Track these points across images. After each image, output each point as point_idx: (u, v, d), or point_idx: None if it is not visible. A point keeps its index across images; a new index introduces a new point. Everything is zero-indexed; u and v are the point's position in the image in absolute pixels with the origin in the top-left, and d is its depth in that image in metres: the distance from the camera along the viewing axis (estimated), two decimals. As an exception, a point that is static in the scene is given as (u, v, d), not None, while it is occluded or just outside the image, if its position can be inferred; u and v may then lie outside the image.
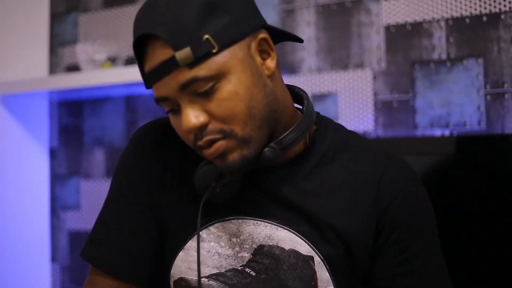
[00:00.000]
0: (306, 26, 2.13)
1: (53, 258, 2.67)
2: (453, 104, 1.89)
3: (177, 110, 1.12)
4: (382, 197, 1.18)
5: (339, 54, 2.07)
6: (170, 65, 1.06)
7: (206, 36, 1.06)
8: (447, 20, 1.90)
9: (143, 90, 2.33)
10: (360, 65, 2.03)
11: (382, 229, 1.18)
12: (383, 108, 2.00)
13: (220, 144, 1.09)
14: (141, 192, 1.24)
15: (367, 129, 2.02)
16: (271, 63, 1.13)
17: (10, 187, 2.44)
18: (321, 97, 2.11)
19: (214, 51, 1.06)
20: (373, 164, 1.21)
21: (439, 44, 1.91)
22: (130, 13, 2.48)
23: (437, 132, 1.90)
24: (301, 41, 1.23)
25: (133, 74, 2.07)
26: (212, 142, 1.10)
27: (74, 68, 2.38)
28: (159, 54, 1.07)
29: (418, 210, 1.20)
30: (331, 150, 1.21)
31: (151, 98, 2.39)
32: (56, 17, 2.65)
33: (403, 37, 1.97)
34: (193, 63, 1.06)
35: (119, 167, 1.28)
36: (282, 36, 1.21)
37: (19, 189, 2.48)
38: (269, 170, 1.17)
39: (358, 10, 2.04)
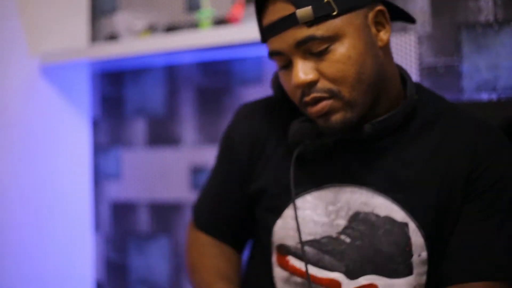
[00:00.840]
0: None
1: (97, 228, 2.68)
2: (500, 67, 1.83)
3: (288, 66, 1.18)
4: (478, 163, 1.18)
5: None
6: (290, 21, 1.12)
7: None
8: (494, -20, 1.84)
9: (183, 59, 2.31)
10: (403, 29, 1.98)
11: (475, 194, 1.18)
12: (428, 72, 1.95)
13: (326, 104, 1.15)
14: (236, 166, 1.37)
15: (411, 95, 1.97)
16: (384, 35, 1.19)
17: (53, 158, 2.45)
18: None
19: (333, 13, 1.11)
20: (469, 132, 1.22)
21: (486, 6, 1.85)
22: (169, -19, 2.45)
23: (484, 96, 1.85)
24: (413, 21, 1.29)
25: (172, 42, 2.05)
26: (319, 100, 1.15)
27: (114, 37, 2.37)
28: (280, 10, 1.13)
29: (509, 175, 1.20)
30: (430, 120, 1.23)
31: (191, 67, 2.37)
32: (95, -13, 2.65)
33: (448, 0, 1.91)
34: (312, 22, 1.11)
35: (220, 144, 1.43)
36: (396, 15, 1.27)
37: (62, 160, 2.49)
38: (367, 139, 1.22)
39: (401, -28, 1.98)
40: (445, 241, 1.19)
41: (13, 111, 2.30)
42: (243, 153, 1.36)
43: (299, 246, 1.23)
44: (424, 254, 1.19)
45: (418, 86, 1.29)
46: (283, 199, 1.28)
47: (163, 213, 2.50)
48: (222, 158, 1.43)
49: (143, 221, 2.56)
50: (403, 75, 1.28)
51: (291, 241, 1.26)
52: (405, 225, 1.18)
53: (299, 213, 1.24)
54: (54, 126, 2.46)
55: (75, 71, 2.53)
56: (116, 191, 2.64)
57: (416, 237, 1.18)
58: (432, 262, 1.19)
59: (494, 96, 1.83)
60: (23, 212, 2.31)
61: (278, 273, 1.29)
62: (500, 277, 1.15)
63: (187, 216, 2.42)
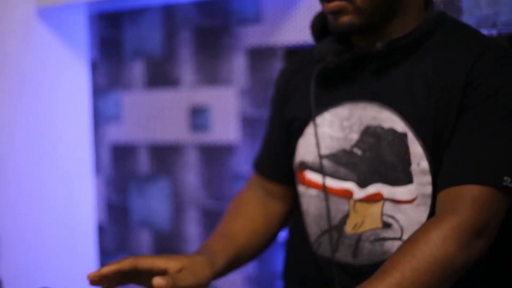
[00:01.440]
0: None
1: (97, 171, 2.69)
2: (501, 3, 1.81)
3: None
4: (475, 76, 1.23)
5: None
6: None
7: None
8: None
9: (181, -1, 2.29)
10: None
11: (471, 104, 1.22)
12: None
13: (338, 4, 1.26)
14: (278, 109, 1.52)
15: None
16: None
17: (52, 101, 2.44)
18: None
19: None
20: (472, 47, 1.27)
21: None
22: None
23: (484, 32, 1.83)
24: None
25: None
26: None
27: (110, -23, 2.34)
28: None
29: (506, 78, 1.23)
30: (441, 38, 1.30)
31: (188, 7, 2.34)
32: None
33: None
34: None
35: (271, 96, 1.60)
36: None
37: (61, 103, 2.48)
38: (381, 57, 1.32)
39: None
40: (444, 149, 1.23)
41: (10, 55, 2.28)
42: (281, 92, 1.52)
43: (316, 160, 1.36)
44: (423, 164, 1.24)
45: (442, 13, 1.36)
46: (305, 119, 1.41)
47: (163, 154, 2.50)
48: (271, 103, 1.59)
49: (143, 162, 2.57)
50: (428, 1, 1.35)
51: (310, 156, 1.38)
52: (404, 135, 1.25)
53: (318, 130, 1.37)
54: (52, 69, 2.44)
55: (72, 12, 2.50)
56: (116, 133, 2.64)
57: (414, 146, 1.24)
58: (435, 173, 1.23)
59: (494, 32, 1.81)
60: (23, 157, 2.31)
61: (300, 191, 1.42)
62: (493, 182, 1.17)
63: (187, 157, 2.43)
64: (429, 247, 1.09)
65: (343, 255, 1.28)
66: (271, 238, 1.52)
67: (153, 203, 2.55)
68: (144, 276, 1.26)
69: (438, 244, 1.09)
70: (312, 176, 1.38)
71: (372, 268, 1.16)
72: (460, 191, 1.17)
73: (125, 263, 1.23)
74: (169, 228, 2.51)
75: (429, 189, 1.23)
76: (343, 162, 1.32)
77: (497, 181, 1.16)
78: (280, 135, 1.52)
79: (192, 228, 2.43)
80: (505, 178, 1.16)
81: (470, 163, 1.19)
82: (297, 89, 1.47)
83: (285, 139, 1.49)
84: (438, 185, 1.23)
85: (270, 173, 1.54)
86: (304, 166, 1.40)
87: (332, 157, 1.35)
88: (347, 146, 1.33)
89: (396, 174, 1.26)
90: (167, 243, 2.52)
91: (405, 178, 1.25)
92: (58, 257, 2.42)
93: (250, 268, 2.27)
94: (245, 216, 1.50)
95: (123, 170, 2.63)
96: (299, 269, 1.42)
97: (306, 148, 1.40)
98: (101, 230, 2.71)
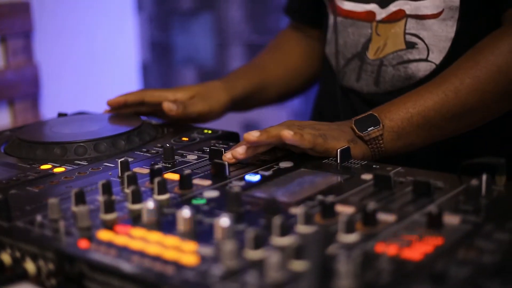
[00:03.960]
0: None
1: (139, 8, 2.64)
2: None
3: None
4: None
5: None
6: None
7: None
8: None
9: None
10: None
11: None
12: None
13: None
14: None
15: None
16: None
17: None
18: None
19: None
20: None
21: None
22: None
23: None
24: None
25: None
26: None
27: None
28: None
29: None
30: None
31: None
32: None
33: None
34: None
35: None
36: None
37: None
38: None
39: None
40: None
41: None
42: None
43: None
44: None
45: None
46: None
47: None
48: None
49: (186, -2, 2.50)
50: None
51: None
52: None
53: None
54: None
55: None
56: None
57: None
58: None
59: None
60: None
61: (331, 20, 1.27)
62: None
63: (230, -10, 2.35)
64: (495, 55, 0.99)
65: (365, 84, 1.19)
66: (312, 77, 1.45)
67: (196, 40, 2.50)
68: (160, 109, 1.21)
69: (506, 53, 1.01)
70: (338, 2, 1.22)
71: (397, 94, 1.09)
72: None
73: (131, 96, 1.19)
74: (213, 64, 2.47)
75: (457, 0, 1.09)
76: None
77: None
78: None
79: (237, 63, 2.38)
80: None
81: None
82: None
83: None
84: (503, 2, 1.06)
85: (302, 17, 1.41)
86: None
87: None
88: None
89: None
90: (211, 80, 2.49)
91: None
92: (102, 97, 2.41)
93: (296, 104, 2.24)
94: (282, 51, 1.40)
95: (166, 6, 2.57)
96: (329, 102, 1.35)
97: None
98: (145, 69, 2.69)
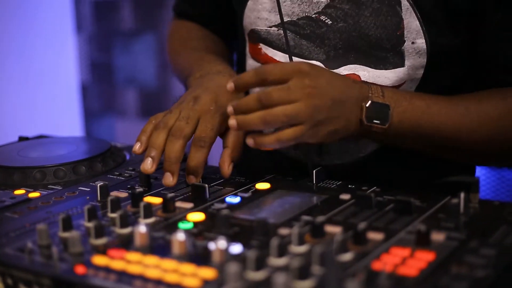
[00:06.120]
0: None
1: (78, 28, 2.62)
2: None
3: None
4: None
5: None
6: None
7: None
8: None
9: None
10: None
11: None
12: None
13: None
14: None
15: None
16: None
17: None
18: None
19: None
20: None
21: None
22: None
23: None
24: None
25: None
26: None
27: None
28: None
29: None
30: None
31: None
32: None
33: None
34: None
35: None
36: None
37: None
38: None
39: None
40: (449, 25, 0.97)
41: None
42: None
43: (270, 30, 1.05)
44: (420, 42, 0.97)
45: None
46: None
47: (147, 9, 2.43)
48: None
49: (127, 18, 2.49)
50: None
51: (262, 24, 1.05)
52: (398, 3, 0.96)
53: None
54: None
55: None
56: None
57: (410, 18, 0.96)
58: (432, 55, 0.98)
59: None
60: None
61: (250, 66, 1.11)
62: None
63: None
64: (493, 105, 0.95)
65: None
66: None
67: (138, 60, 2.50)
68: None
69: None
70: (268, 51, 1.07)
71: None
72: None
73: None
74: (156, 85, 2.47)
75: (419, 74, 0.99)
76: (306, 33, 1.02)
77: None
78: None
79: (180, 84, 2.39)
80: None
81: None
82: None
83: None
84: (488, 76, 0.99)
85: (206, 21, 1.26)
86: (257, 38, 1.07)
87: (292, 25, 1.03)
88: (312, 12, 1.02)
89: (382, 53, 0.99)
90: (153, 101, 2.49)
91: (393, 59, 0.98)
92: (42, 119, 2.38)
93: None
94: (195, 44, 1.23)
95: (106, 26, 2.56)
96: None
97: (256, 14, 1.06)
98: (85, 89, 2.66)
